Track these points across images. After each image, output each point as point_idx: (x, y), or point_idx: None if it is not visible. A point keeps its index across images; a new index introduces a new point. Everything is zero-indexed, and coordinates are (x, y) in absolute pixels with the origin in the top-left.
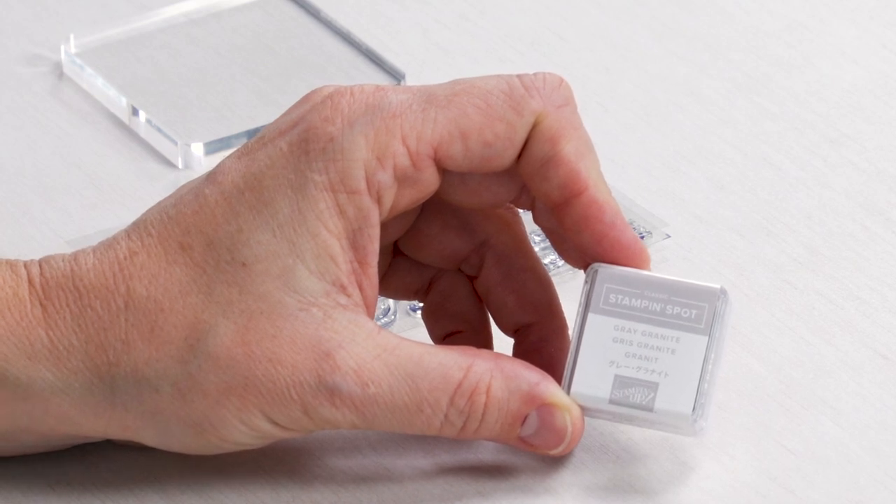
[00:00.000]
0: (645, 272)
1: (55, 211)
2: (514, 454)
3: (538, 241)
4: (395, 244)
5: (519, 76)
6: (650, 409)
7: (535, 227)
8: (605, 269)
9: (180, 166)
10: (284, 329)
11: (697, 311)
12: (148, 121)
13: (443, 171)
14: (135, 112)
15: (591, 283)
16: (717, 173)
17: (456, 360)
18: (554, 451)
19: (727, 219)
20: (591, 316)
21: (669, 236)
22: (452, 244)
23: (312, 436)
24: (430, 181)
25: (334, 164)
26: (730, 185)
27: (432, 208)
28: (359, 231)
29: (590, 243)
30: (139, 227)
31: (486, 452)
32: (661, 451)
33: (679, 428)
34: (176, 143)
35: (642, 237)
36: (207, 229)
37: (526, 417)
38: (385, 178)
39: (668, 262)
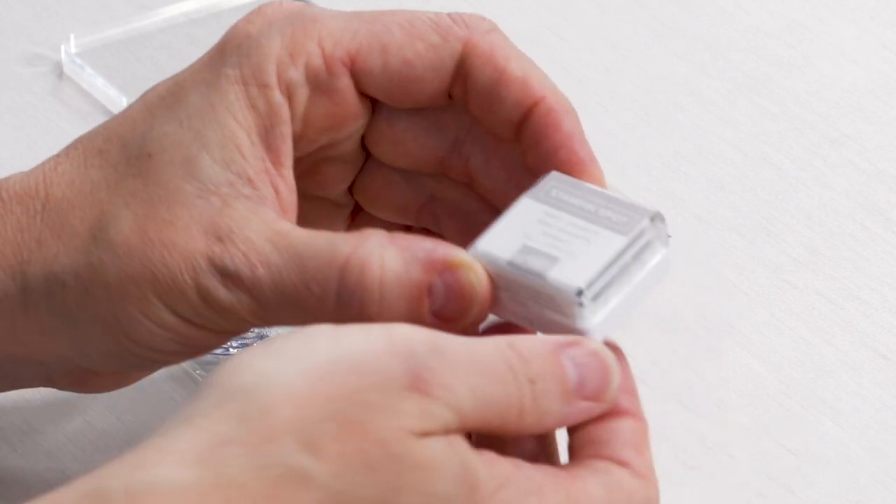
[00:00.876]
0: (596, 186)
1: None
2: None
3: None
4: (369, 153)
5: (447, 13)
6: (542, 277)
7: None
8: (558, 174)
9: None
10: (182, 216)
11: (628, 219)
12: None
13: (366, 98)
14: None
15: (539, 181)
16: (717, 173)
17: (346, 238)
18: (468, 320)
19: (727, 219)
20: (525, 198)
21: (670, 236)
22: (427, 144)
23: None
24: (346, 95)
25: (248, 59)
26: (730, 185)
27: (393, 114)
28: (270, 129)
29: (546, 156)
30: (70, 144)
31: None
32: (662, 451)
33: (566, 313)
34: None
35: None
36: (125, 132)
37: (431, 289)
38: (296, 75)
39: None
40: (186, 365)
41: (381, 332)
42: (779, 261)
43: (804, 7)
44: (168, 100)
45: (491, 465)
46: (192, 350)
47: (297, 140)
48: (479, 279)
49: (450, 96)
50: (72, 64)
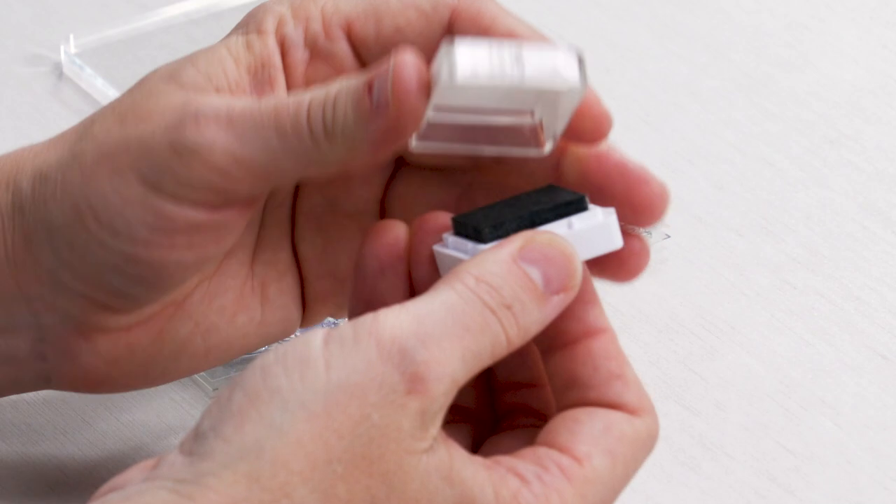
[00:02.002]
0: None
1: None
2: None
3: None
4: (399, 162)
5: None
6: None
7: None
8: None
9: None
10: (158, 104)
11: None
12: None
13: (362, 60)
14: None
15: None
16: (717, 173)
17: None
18: (403, 106)
19: (727, 219)
20: None
21: (669, 236)
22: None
23: None
24: (345, 61)
25: (253, 16)
26: (729, 185)
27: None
28: (261, 68)
29: None
30: None
31: None
32: (662, 451)
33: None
34: None
35: None
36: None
37: (371, 85)
38: (293, 33)
39: (667, 262)
40: None
41: (369, 338)
42: (778, 261)
43: (804, 7)
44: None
45: (485, 475)
46: (165, 242)
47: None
48: (400, 67)
49: None
50: (71, 64)
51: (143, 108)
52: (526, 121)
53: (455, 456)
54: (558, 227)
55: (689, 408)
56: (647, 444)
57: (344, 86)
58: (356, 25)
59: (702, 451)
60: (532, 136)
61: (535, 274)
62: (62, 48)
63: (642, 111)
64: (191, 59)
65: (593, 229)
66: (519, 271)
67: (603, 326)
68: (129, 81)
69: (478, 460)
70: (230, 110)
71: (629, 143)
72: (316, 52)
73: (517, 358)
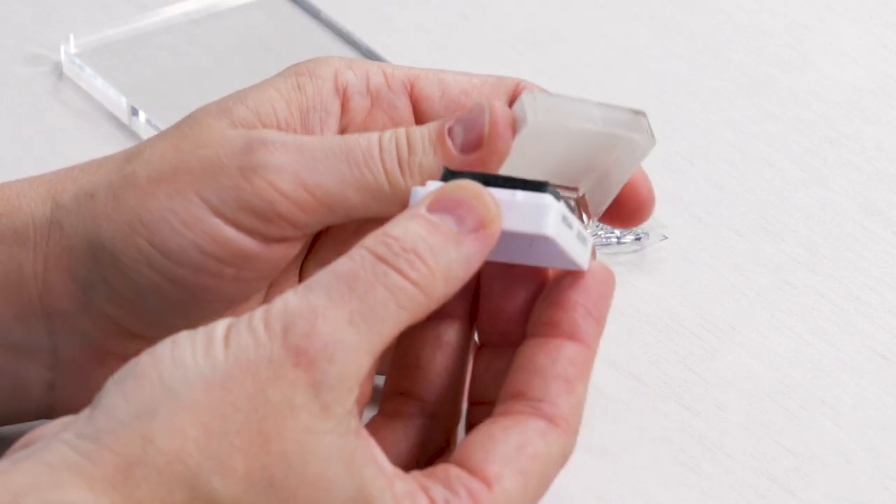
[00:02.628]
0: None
1: None
2: None
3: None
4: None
5: None
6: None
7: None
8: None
9: None
10: (214, 136)
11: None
12: (148, 121)
13: (421, 117)
14: (134, 112)
15: None
16: (717, 173)
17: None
18: (490, 148)
19: (726, 219)
20: None
21: (666, 237)
22: None
23: None
24: (404, 112)
25: (305, 64)
26: (729, 185)
27: None
28: (312, 109)
29: None
30: None
31: None
32: (661, 451)
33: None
34: None
35: (639, 238)
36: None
37: (451, 130)
38: (354, 80)
39: (666, 262)
40: None
41: (261, 319)
42: (778, 261)
43: (804, 7)
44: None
45: (392, 482)
46: (214, 268)
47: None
48: (496, 110)
49: None
50: (71, 64)
51: (198, 137)
52: (572, 195)
53: (360, 448)
54: (501, 193)
55: (689, 408)
56: (559, 461)
57: (416, 128)
58: (420, 83)
59: (702, 451)
60: (578, 209)
61: (447, 218)
62: (62, 48)
63: None
64: (239, 97)
65: (529, 206)
66: (424, 218)
67: (587, 341)
68: (129, 81)
69: (386, 467)
70: (297, 138)
71: None
72: (378, 101)
73: (495, 372)
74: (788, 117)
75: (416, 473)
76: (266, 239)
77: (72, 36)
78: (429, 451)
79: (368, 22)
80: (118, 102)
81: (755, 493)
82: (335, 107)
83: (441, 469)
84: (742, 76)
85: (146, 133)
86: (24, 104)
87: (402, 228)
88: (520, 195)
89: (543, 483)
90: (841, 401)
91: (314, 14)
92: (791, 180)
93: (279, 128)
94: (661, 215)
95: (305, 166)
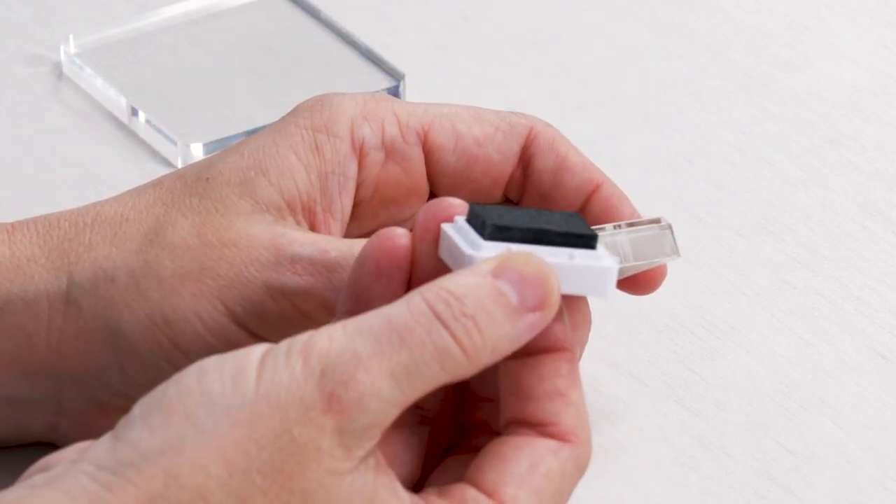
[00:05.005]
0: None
1: (55, 211)
2: None
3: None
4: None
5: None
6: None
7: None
8: None
9: (180, 166)
10: (238, 223)
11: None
12: (147, 121)
13: (433, 167)
14: (134, 112)
15: None
16: (717, 173)
17: None
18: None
19: (726, 219)
20: None
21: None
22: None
23: None
24: (417, 168)
25: (320, 113)
26: (729, 185)
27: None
28: (331, 174)
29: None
30: None
31: None
32: (661, 451)
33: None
34: (175, 144)
35: None
36: (182, 171)
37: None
38: (370, 135)
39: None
40: None
41: (299, 355)
42: (778, 261)
43: (804, 7)
44: (232, 145)
45: None
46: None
47: (362, 206)
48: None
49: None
50: (71, 64)
51: (221, 226)
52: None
53: (381, 484)
54: (559, 254)
55: (689, 408)
56: (574, 475)
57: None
58: (432, 133)
59: (702, 451)
60: None
61: (510, 290)
62: (62, 48)
63: (642, 111)
64: (261, 169)
65: (590, 270)
66: (490, 284)
67: (562, 345)
68: (129, 81)
69: (405, 497)
70: (324, 254)
71: (629, 143)
72: (392, 154)
73: (489, 370)
74: (788, 117)
75: (433, 498)
76: None
77: (72, 36)
78: (434, 456)
79: (368, 22)
80: (118, 102)
81: (755, 493)
82: (353, 170)
83: (458, 490)
84: (742, 76)
85: (146, 133)
86: (24, 104)
87: (465, 289)
88: (577, 257)
89: (560, 499)
90: (841, 401)
91: (314, 14)
92: (791, 180)
93: (301, 200)
94: (661, 215)
95: (331, 288)
